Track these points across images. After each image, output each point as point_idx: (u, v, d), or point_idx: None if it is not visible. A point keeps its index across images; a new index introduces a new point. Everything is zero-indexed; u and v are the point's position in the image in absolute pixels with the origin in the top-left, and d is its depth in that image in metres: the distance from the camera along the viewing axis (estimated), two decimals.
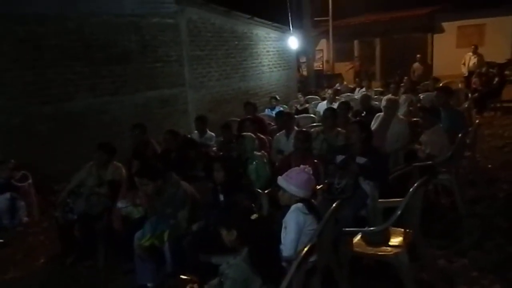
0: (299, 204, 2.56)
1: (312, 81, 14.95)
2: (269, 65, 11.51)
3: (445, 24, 16.89)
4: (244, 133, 4.57)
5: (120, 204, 3.62)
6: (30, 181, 5.15)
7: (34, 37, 5.89)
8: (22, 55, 5.79)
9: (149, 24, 7.58)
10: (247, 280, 1.98)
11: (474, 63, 11.03)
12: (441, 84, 9.76)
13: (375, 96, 8.14)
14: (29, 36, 5.84)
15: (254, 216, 2.23)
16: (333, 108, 5.51)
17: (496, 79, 9.57)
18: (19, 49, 5.75)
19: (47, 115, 6.07)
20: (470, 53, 11.27)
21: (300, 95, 9.65)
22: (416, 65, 11.66)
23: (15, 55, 5.73)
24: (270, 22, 11.25)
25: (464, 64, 11.34)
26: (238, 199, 2.92)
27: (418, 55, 12.44)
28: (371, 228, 2.91)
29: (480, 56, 11.15)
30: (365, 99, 6.68)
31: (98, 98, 6.73)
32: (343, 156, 3.69)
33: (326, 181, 3.48)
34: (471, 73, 10.79)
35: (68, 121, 6.29)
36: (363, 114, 6.01)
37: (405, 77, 9.40)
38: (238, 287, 1.98)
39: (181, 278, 1.71)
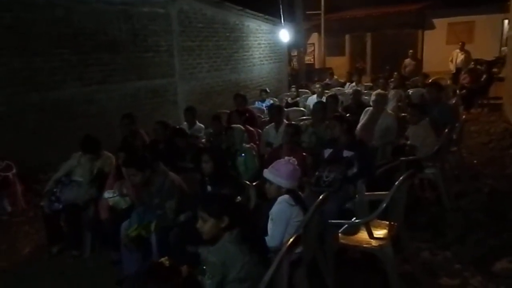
0: (286, 196, 2.59)
1: (302, 75, 14.93)
2: (260, 57, 11.46)
3: (435, 21, 17.00)
4: (234, 125, 4.57)
5: (107, 194, 3.59)
6: (14, 171, 5.07)
7: (21, 24, 5.75)
8: (9, 42, 5.65)
9: (139, 13, 7.47)
10: (225, 263, 2.01)
11: (462, 59, 11.15)
12: (430, 80, 9.89)
13: (365, 91, 8.17)
14: (16, 23, 5.69)
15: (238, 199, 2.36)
16: (324, 102, 5.53)
17: (484, 76, 9.69)
18: (6, 36, 5.60)
19: (34, 103, 5.94)
20: (458, 50, 11.39)
21: (293, 88, 9.62)
22: (407, 60, 11.75)
23: (2, 42, 5.57)
24: (262, 14, 11.18)
25: (451, 61, 11.45)
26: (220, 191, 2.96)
27: (410, 51, 12.49)
28: (357, 220, 2.95)
29: (467, 53, 11.27)
30: (357, 94, 6.72)
31: (86, 87, 6.61)
32: (331, 150, 3.73)
33: (316, 173, 3.51)
34: (458, 69, 10.90)
35: (55, 110, 6.18)
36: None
37: (395, 73, 9.45)
38: (217, 270, 2.02)
39: (162, 261, 1.67)
